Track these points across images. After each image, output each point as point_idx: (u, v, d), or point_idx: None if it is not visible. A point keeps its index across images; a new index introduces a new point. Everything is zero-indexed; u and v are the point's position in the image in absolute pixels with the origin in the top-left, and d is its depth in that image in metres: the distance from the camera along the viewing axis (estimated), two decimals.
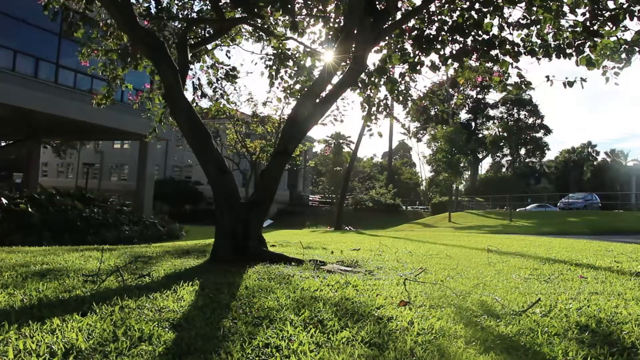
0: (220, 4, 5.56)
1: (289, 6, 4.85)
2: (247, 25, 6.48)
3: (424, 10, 5.11)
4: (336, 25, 5.78)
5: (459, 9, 5.06)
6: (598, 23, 4.54)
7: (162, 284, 2.98)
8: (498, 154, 55.04)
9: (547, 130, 52.19)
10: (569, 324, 2.25)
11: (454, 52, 5.13)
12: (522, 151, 53.53)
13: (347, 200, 38.02)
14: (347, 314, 2.34)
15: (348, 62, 4.97)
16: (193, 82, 7.23)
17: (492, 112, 52.80)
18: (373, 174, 62.63)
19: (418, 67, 5.41)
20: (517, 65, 5.11)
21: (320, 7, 5.83)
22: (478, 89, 45.40)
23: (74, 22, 5.55)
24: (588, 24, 4.56)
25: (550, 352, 1.90)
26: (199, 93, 7.24)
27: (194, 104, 7.37)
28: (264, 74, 6.76)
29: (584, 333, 2.13)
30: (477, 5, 4.86)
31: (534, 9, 4.77)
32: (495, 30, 5.00)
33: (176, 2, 6.24)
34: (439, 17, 5.22)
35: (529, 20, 4.88)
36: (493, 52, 5.00)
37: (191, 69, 6.87)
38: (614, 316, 2.40)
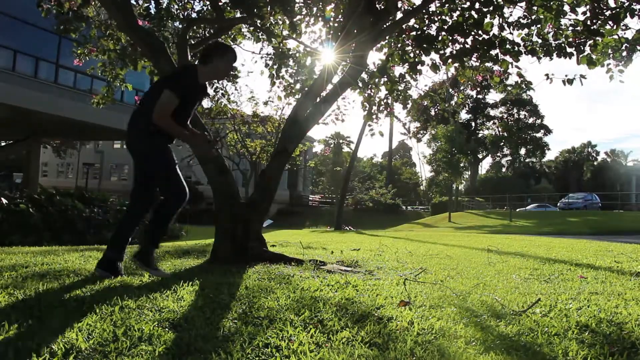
0: (220, 4, 5.56)
1: (289, 7, 4.85)
2: (247, 25, 6.48)
3: (424, 10, 5.11)
4: (336, 25, 5.78)
5: (459, 8, 5.06)
6: (599, 22, 4.54)
7: (162, 284, 2.98)
8: (498, 154, 55.05)
9: (547, 130, 52.18)
10: (569, 324, 2.25)
11: (454, 52, 5.13)
12: (522, 151, 53.51)
13: (347, 200, 38.00)
14: (347, 314, 2.34)
15: (348, 61, 4.97)
16: None
17: (492, 112, 52.78)
18: (373, 174, 62.64)
19: (418, 67, 5.41)
20: (517, 65, 5.11)
21: (320, 7, 5.83)
22: (478, 89, 45.37)
23: (67, 20, 5.50)
24: (589, 22, 4.56)
25: (550, 352, 1.90)
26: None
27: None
28: (264, 73, 6.78)
29: (584, 333, 2.13)
30: (477, 5, 4.86)
31: (535, 8, 4.77)
32: (495, 30, 5.00)
33: (176, 1, 6.24)
34: (439, 16, 5.21)
35: (529, 20, 4.87)
36: (493, 52, 5.00)
37: None
38: (614, 316, 2.40)
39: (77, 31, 5.66)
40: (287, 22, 5.86)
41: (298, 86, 6.77)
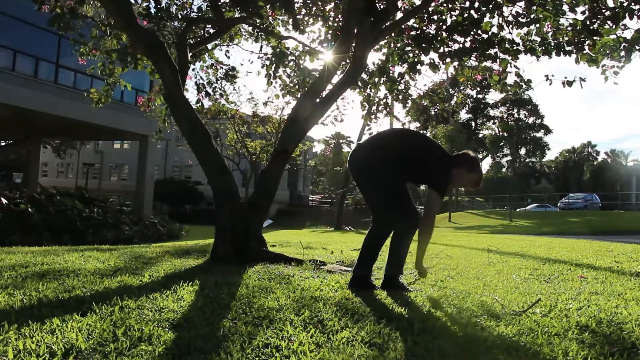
0: (219, 3, 5.56)
1: (289, 6, 4.85)
2: (246, 25, 6.48)
3: (424, 10, 5.11)
4: (336, 25, 5.78)
5: (458, 8, 5.06)
6: (598, 22, 4.54)
7: (162, 284, 2.98)
8: (498, 154, 55.03)
9: (547, 130, 52.20)
10: (569, 324, 2.25)
11: (453, 51, 5.13)
12: (522, 151, 53.50)
13: (347, 200, 37.98)
14: (347, 314, 2.34)
15: (348, 61, 4.97)
16: (197, 82, 7.23)
17: (492, 112, 52.78)
18: None
19: (418, 67, 5.41)
20: (516, 65, 5.11)
21: (320, 6, 5.83)
22: (478, 88, 45.37)
23: (58, 17, 5.43)
24: (588, 22, 4.56)
25: (550, 352, 1.90)
26: (203, 93, 7.23)
27: (199, 104, 7.37)
28: (260, 73, 6.72)
29: (584, 333, 2.13)
30: (476, 4, 4.86)
31: (534, 7, 4.77)
32: (494, 29, 5.00)
33: (175, 1, 6.23)
34: (438, 16, 5.21)
35: (528, 19, 4.87)
36: (492, 51, 5.00)
37: (193, 69, 6.86)
38: (614, 316, 2.40)
39: (76, 29, 5.62)
40: (288, 19, 5.85)
41: (297, 86, 6.76)
